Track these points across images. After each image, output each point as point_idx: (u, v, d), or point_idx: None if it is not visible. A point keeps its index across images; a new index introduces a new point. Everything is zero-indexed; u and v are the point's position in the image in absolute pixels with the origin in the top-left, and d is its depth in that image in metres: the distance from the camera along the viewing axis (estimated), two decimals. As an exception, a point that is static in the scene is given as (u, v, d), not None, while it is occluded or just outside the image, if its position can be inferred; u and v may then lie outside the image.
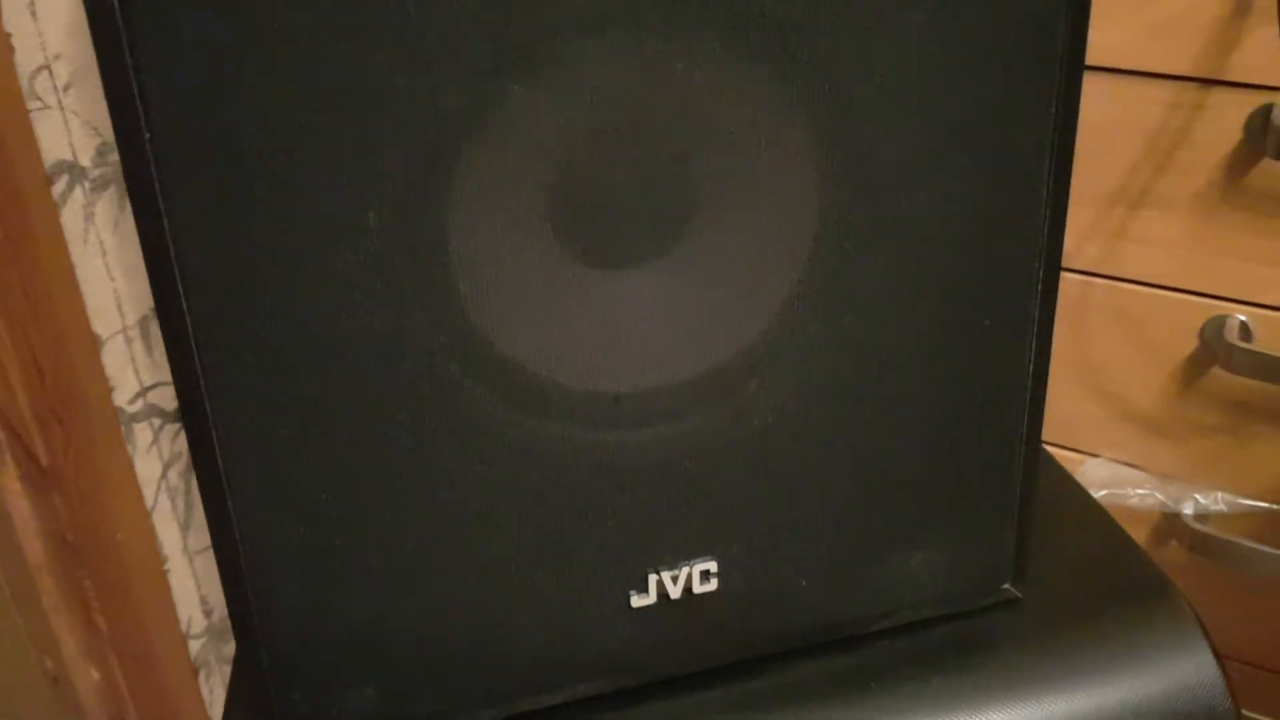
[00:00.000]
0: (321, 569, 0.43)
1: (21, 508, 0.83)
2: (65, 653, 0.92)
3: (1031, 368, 0.48)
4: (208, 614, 1.01)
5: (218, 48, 0.35)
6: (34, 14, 0.75)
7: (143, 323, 0.87)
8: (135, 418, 0.89)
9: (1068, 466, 0.67)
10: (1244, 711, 0.84)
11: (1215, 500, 0.85)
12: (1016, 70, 0.41)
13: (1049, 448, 0.88)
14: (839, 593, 0.49)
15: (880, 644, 0.51)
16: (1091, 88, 0.72)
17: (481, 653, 0.46)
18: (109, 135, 0.82)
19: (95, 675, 0.95)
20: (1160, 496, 0.87)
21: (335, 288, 0.38)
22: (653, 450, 0.45)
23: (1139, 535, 0.86)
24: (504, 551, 0.44)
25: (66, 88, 0.78)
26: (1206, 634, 0.51)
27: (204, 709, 1.03)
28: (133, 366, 0.88)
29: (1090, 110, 0.71)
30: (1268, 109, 0.72)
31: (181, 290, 0.37)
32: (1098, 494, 0.86)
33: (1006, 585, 0.52)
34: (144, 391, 0.89)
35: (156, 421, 0.91)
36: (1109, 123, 0.77)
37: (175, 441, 0.93)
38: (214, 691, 1.04)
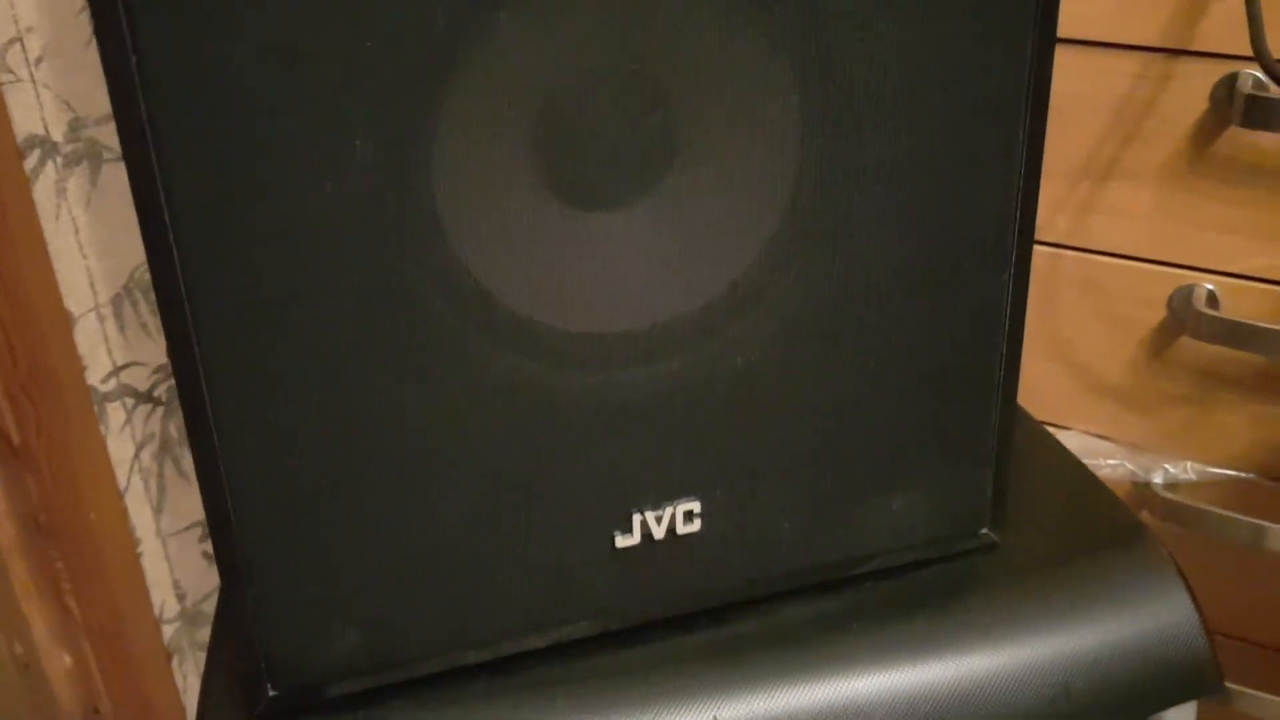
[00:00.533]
0: (306, 507, 0.43)
1: (-7, 486, 0.83)
2: (36, 637, 0.91)
3: (1009, 315, 0.49)
4: (181, 598, 1.00)
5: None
6: (6, -15, 0.75)
7: (115, 301, 0.87)
8: (108, 397, 0.89)
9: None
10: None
11: (1185, 469, 0.86)
12: (991, 18, 0.42)
13: (1021, 418, 0.89)
14: (821, 535, 0.50)
15: (862, 588, 0.52)
16: (1059, 59, 0.73)
17: (466, 593, 0.46)
18: (82, 110, 0.81)
19: (67, 660, 0.94)
20: (1130, 467, 0.88)
21: (322, 217, 0.38)
22: (636, 389, 0.45)
23: (1110, 504, 0.87)
24: (488, 489, 0.44)
25: (38, 61, 0.78)
26: (1182, 575, 0.52)
27: (178, 696, 1.02)
28: (105, 345, 0.88)
29: (1058, 82, 0.72)
30: (1233, 77, 0.73)
31: (168, 219, 0.37)
32: (1069, 464, 0.87)
33: (984, 530, 0.53)
34: (116, 371, 0.89)
35: (129, 402, 0.91)
36: (1077, 95, 0.78)
37: (148, 422, 0.93)
38: (188, 678, 1.03)
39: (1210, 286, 0.79)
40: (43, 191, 0.80)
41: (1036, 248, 0.83)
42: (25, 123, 0.78)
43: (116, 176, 0.85)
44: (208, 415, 0.40)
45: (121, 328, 0.88)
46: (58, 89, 0.79)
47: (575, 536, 0.46)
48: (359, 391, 0.41)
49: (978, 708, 0.49)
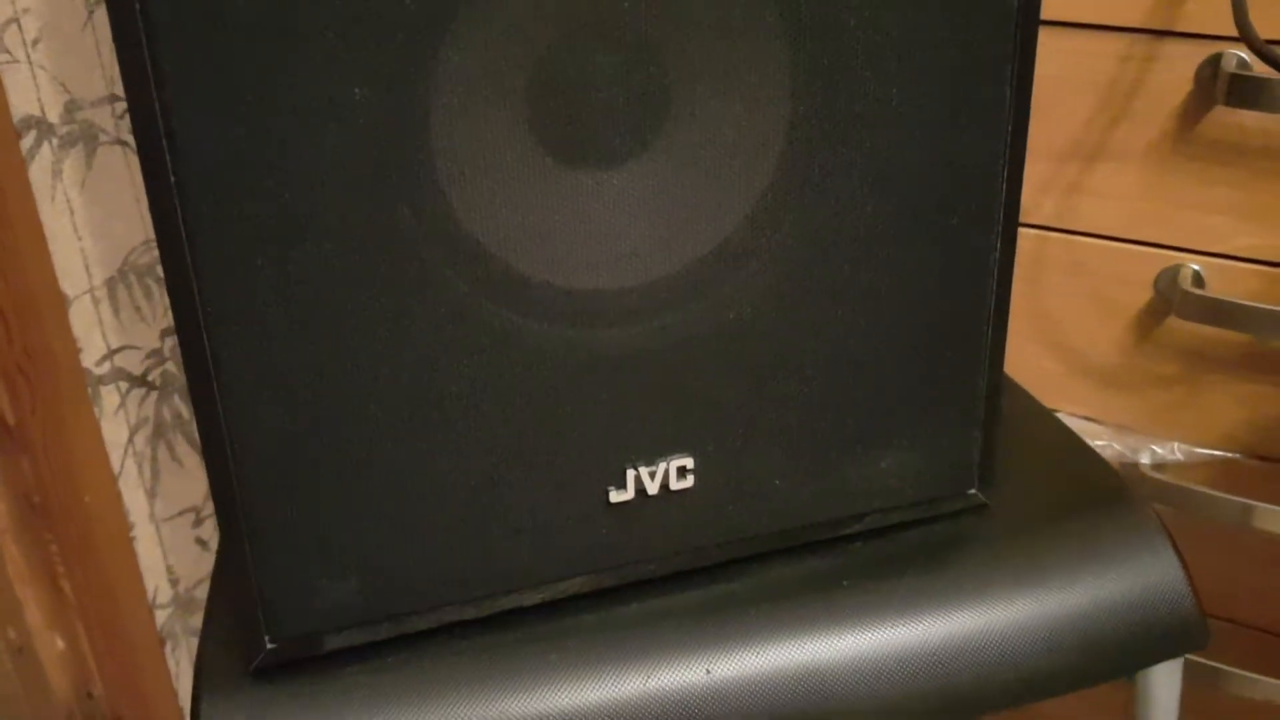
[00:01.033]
0: (303, 458, 0.43)
1: (-13, 466, 0.83)
2: (30, 621, 0.91)
3: (996, 273, 0.49)
4: (174, 584, 1.01)
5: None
6: (2, -34, 0.75)
7: (110, 284, 0.87)
8: (102, 380, 0.89)
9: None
10: (1198, 658, 0.86)
11: (1172, 450, 0.87)
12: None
13: (1010, 399, 0.89)
14: (812, 493, 0.50)
15: (852, 547, 0.53)
16: (1044, 42, 0.74)
17: (461, 546, 0.46)
18: (78, 92, 0.82)
19: (60, 644, 0.94)
20: (1118, 448, 0.89)
21: (322, 166, 0.39)
22: (630, 345, 0.46)
23: (1098, 483, 0.88)
24: (483, 443, 0.45)
25: (35, 42, 0.78)
26: (1168, 534, 0.52)
27: (170, 682, 1.03)
28: (100, 328, 0.88)
29: (1042, 64, 0.73)
30: (1217, 58, 0.74)
31: (171, 168, 0.38)
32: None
33: (973, 490, 0.54)
34: (111, 354, 0.89)
35: (123, 385, 0.91)
36: (1061, 77, 0.79)
37: (142, 406, 0.93)
38: (180, 663, 1.03)
39: (1196, 267, 0.80)
40: (38, 173, 0.81)
41: (1022, 231, 0.84)
42: (22, 104, 0.79)
43: (112, 159, 0.85)
44: (207, 361, 0.41)
45: (116, 311, 0.89)
46: (54, 70, 0.80)
47: (569, 491, 0.47)
48: (355, 342, 0.42)
49: (967, 664, 0.50)
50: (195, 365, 0.41)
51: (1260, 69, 0.71)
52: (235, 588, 0.45)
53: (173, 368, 0.95)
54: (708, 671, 0.48)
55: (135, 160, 0.87)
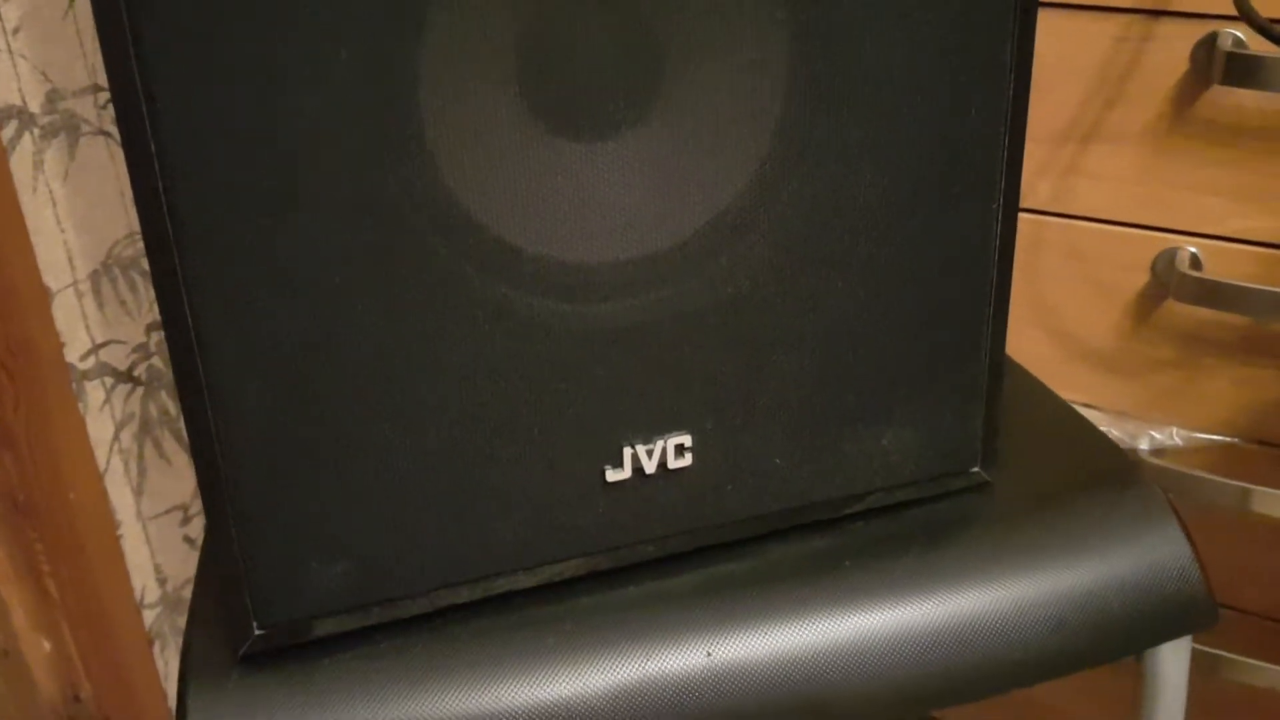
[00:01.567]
0: (292, 436, 0.42)
1: (-30, 462, 0.81)
2: (15, 623, 0.90)
3: (998, 245, 0.48)
4: (162, 583, 0.99)
5: None
6: (-19, -48, 0.74)
7: (94, 277, 0.86)
8: (86, 375, 0.88)
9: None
10: (1198, 645, 0.85)
11: (1170, 435, 0.87)
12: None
13: (1007, 385, 0.89)
14: (812, 471, 0.49)
15: (854, 527, 0.52)
16: (1039, 24, 0.73)
17: (454, 527, 0.45)
18: (60, 82, 0.80)
19: (47, 646, 0.92)
20: (1116, 434, 0.88)
21: (306, 133, 0.38)
22: (625, 319, 0.45)
23: (1097, 469, 0.87)
24: (475, 420, 0.44)
25: (16, 31, 0.77)
26: (1175, 510, 0.52)
27: (160, 682, 1.01)
28: (84, 322, 0.87)
29: (1038, 46, 0.72)
30: (1213, 37, 0.73)
31: (151, 134, 0.37)
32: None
33: (976, 469, 0.53)
34: (96, 349, 0.88)
35: (109, 380, 0.90)
36: (1057, 59, 0.78)
37: (128, 402, 0.92)
38: (169, 663, 1.02)
39: (1194, 249, 0.79)
40: (20, 164, 0.79)
41: (1019, 215, 0.83)
42: (2, 93, 0.77)
43: (95, 150, 0.84)
44: (191, 337, 0.39)
45: (100, 305, 0.87)
46: (35, 59, 0.78)
47: (565, 469, 0.46)
48: (343, 315, 0.41)
49: (972, 644, 0.49)
50: (178, 342, 0.40)
51: (1257, 47, 0.70)
52: (222, 573, 0.44)
53: (159, 363, 0.93)
54: (708, 654, 0.47)
55: (119, 151, 0.86)
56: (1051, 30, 0.78)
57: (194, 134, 0.37)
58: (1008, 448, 0.54)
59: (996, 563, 0.50)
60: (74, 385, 0.86)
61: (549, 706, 0.45)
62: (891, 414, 0.50)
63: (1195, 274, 0.78)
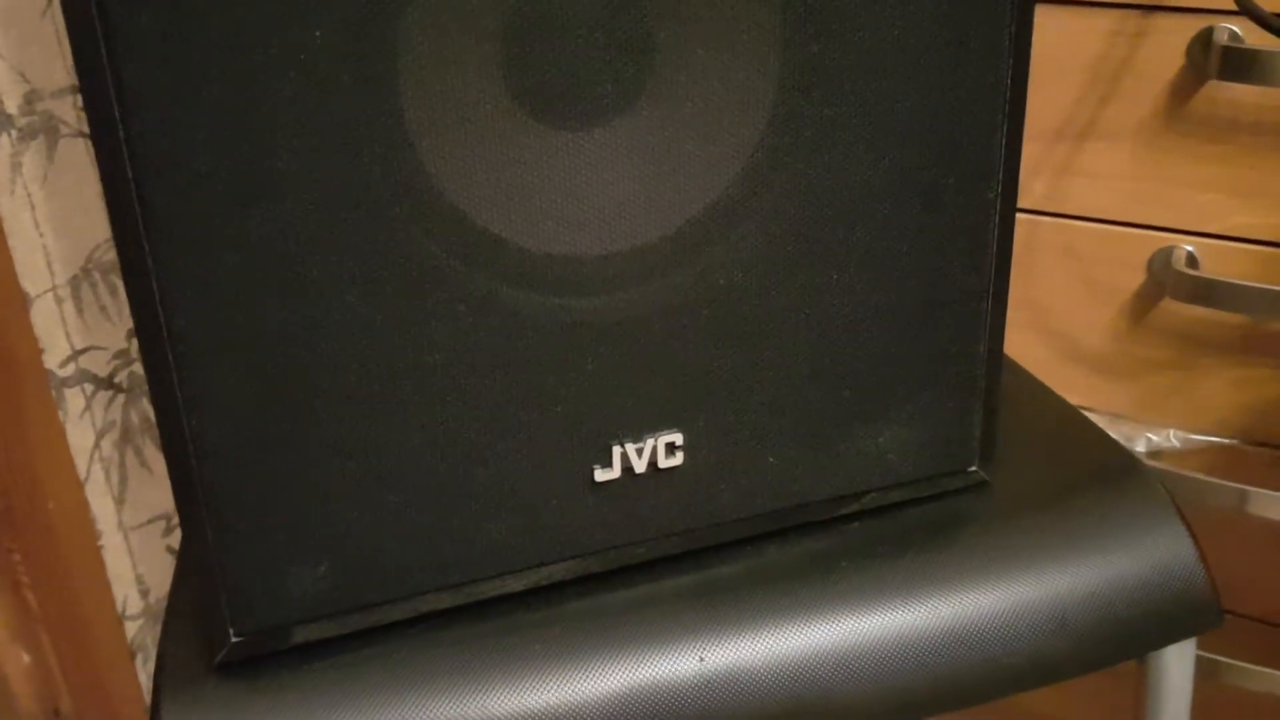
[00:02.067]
0: (269, 435, 0.41)
1: (-54, 471, 0.80)
2: (-7, 635, 0.88)
3: (995, 236, 0.47)
4: (144, 594, 0.98)
5: None
6: (-43, -49, 0.73)
7: (74, 282, 0.85)
8: (66, 382, 0.86)
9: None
10: (1197, 651, 0.84)
11: (1167, 437, 0.86)
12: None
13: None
14: (807, 470, 0.48)
15: (850, 527, 0.50)
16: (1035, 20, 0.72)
17: (438, 530, 0.44)
18: (38, 82, 0.79)
19: (26, 658, 0.91)
20: (1113, 435, 0.87)
21: (281, 117, 0.37)
22: (615, 314, 0.43)
23: (1094, 471, 0.86)
24: (459, 417, 0.43)
25: (-9, 30, 0.76)
26: (1178, 509, 0.50)
27: (141, 695, 0.99)
28: (63, 328, 0.85)
29: (1034, 43, 0.72)
30: (1209, 31, 0.72)
31: (119, 116, 0.35)
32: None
33: (974, 468, 0.51)
34: (75, 355, 0.86)
35: (89, 387, 0.88)
36: (1051, 55, 0.77)
37: (109, 409, 0.90)
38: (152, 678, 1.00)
39: (1190, 248, 0.78)
40: (-3, 166, 0.78)
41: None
42: (-22, 93, 0.76)
43: (74, 152, 0.82)
44: (163, 332, 0.38)
45: (80, 310, 0.86)
46: (12, 59, 0.77)
47: (552, 469, 0.44)
48: (321, 308, 0.39)
49: (972, 647, 0.47)
50: (149, 336, 0.38)
51: (1254, 40, 0.70)
52: (198, 578, 0.42)
53: (140, 370, 0.92)
54: (700, 659, 0.45)
55: (98, 154, 0.84)
56: (1045, 25, 0.77)
57: (164, 119, 0.36)
58: (1006, 446, 0.53)
59: (996, 563, 0.48)
60: (53, 392, 0.85)
61: (537, 715, 0.44)
62: (888, 412, 0.48)
63: (1192, 272, 0.77)
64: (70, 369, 0.86)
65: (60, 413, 0.86)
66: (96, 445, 0.90)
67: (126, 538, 0.94)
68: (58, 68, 0.80)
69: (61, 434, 0.86)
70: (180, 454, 0.40)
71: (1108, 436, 0.55)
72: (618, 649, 0.45)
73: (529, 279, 0.42)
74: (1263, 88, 0.71)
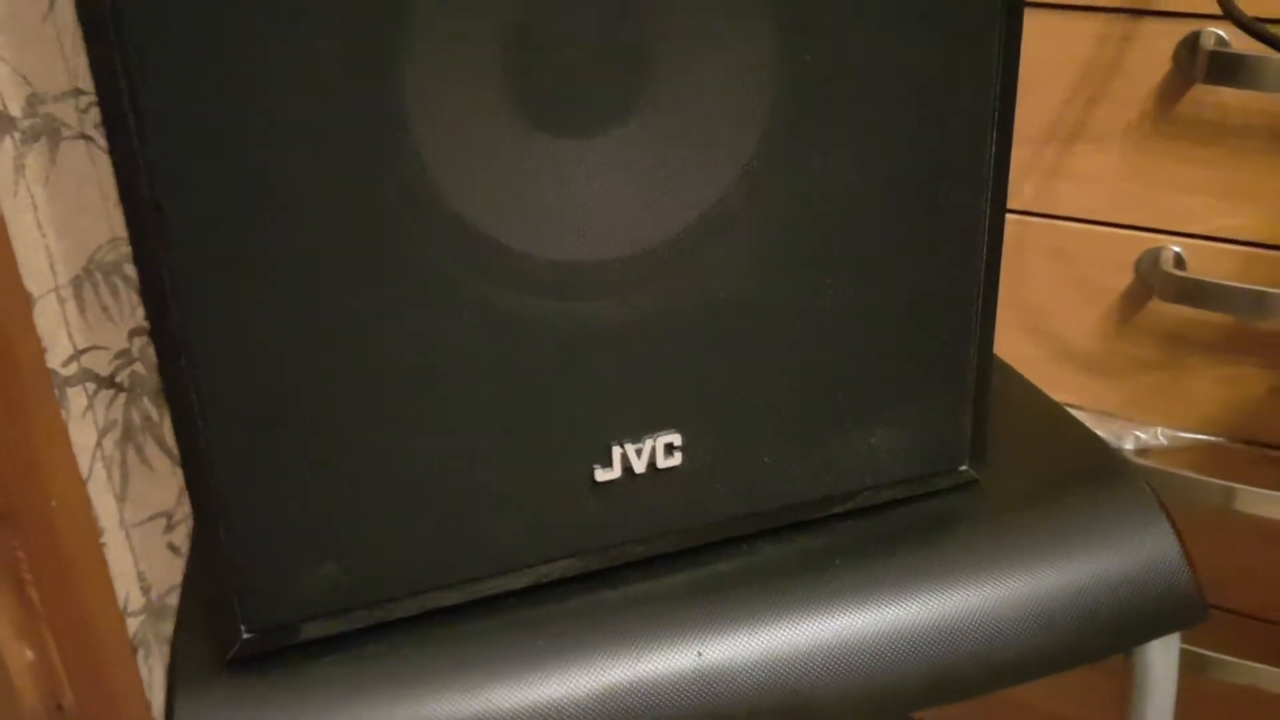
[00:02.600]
0: (279, 435, 0.42)
1: (-50, 470, 0.81)
2: (-3, 632, 0.89)
3: (986, 241, 0.48)
4: (146, 591, 0.99)
5: None
6: (-39, -44, 0.73)
7: (75, 282, 0.85)
8: (69, 381, 0.87)
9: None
10: (1183, 645, 0.85)
11: (1155, 435, 0.87)
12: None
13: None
14: (801, 470, 0.49)
15: (843, 526, 0.51)
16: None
17: (443, 528, 0.45)
18: (40, 85, 0.80)
19: (29, 655, 0.92)
20: (1102, 434, 0.88)
21: (290, 126, 0.38)
22: (615, 318, 0.45)
23: (1083, 469, 0.87)
24: (463, 418, 0.44)
25: (-6, 34, 0.77)
26: (1164, 508, 0.52)
27: (143, 691, 1.00)
28: (66, 328, 0.86)
29: (1022, 47, 0.73)
30: (1196, 36, 0.73)
31: (137, 134, 0.36)
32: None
33: (964, 467, 0.53)
34: (78, 355, 0.87)
35: (91, 386, 0.89)
36: (1039, 58, 0.79)
37: (110, 408, 0.91)
38: (153, 672, 1.01)
39: (1177, 249, 0.80)
40: (0, 168, 0.79)
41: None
42: (-19, 97, 0.77)
43: (76, 154, 0.83)
44: (178, 339, 0.39)
45: (82, 310, 0.87)
46: (15, 62, 0.78)
47: (554, 469, 0.46)
48: (332, 313, 0.41)
49: (963, 642, 0.49)
50: (165, 343, 0.39)
51: (1240, 45, 0.71)
52: (210, 576, 0.43)
53: (142, 369, 0.93)
54: (699, 655, 0.47)
55: (101, 155, 0.85)
56: (1033, 30, 0.78)
57: (180, 137, 0.37)
58: (995, 445, 0.54)
59: (986, 561, 0.50)
60: (56, 391, 0.86)
61: (539, 708, 0.45)
62: (881, 412, 0.49)
63: (1179, 273, 0.78)
64: (73, 368, 0.87)
65: (63, 411, 0.87)
66: (99, 443, 0.91)
67: (128, 535, 0.95)
68: (59, 70, 0.81)
69: (64, 432, 0.87)
70: (194, 457, 0.41)
71: (1095, 436, 0.56)
72: (618, 645, 0.47)
73: (530, 284, 0.43)
74: (1248, 91, 0.73)
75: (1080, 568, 0.50)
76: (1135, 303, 0.83)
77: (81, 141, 0.84)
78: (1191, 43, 0.74)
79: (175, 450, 0.86)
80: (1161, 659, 0.52)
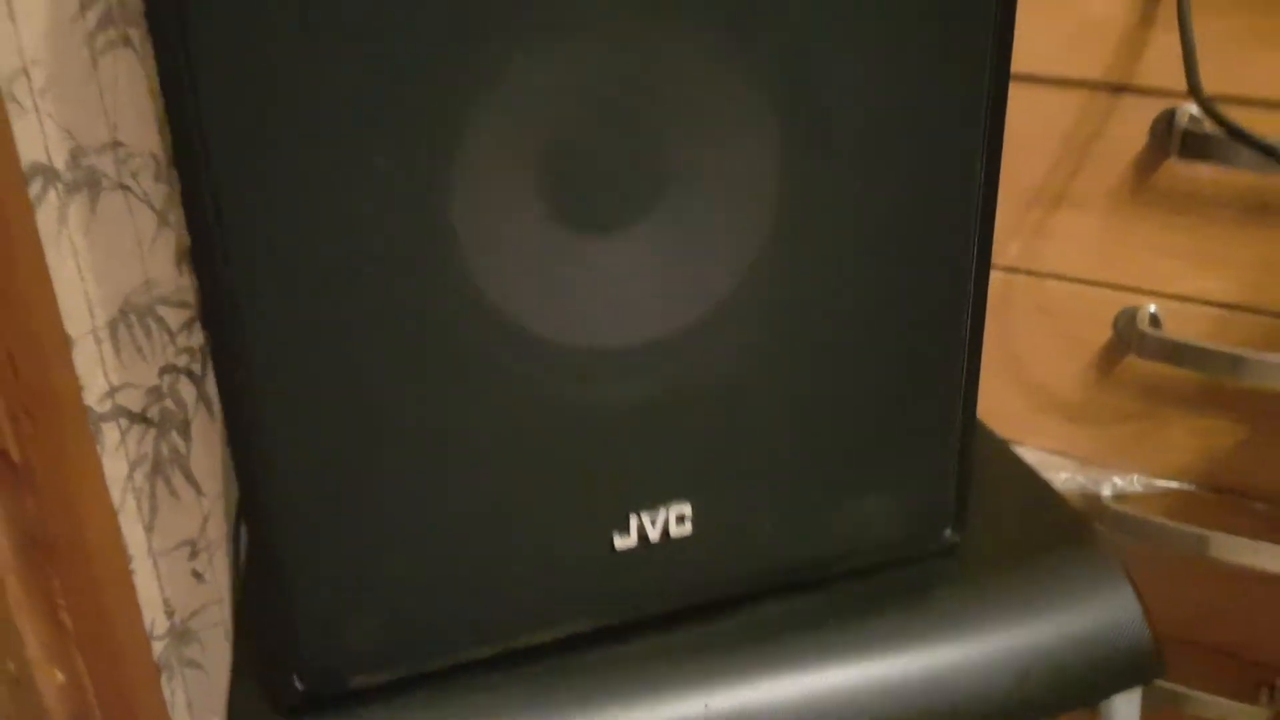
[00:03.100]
0: (334, 502, 0.46)
1: (-7, 505, 0.85)
2: (30, 654, 0.93)
3: (969, 330, 0.53)
4: (170, 615, 1.03)
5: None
6: (12, 17, 0.78)
7: (111, 324, 0.90)
8: (104, 418, 0.91)
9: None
10: (1159, 682, 0.90)
11: (1132, 482, 0.91)
12: (952, 55, 0.47)
13: (979, 433, 0.93)
14: (799, 536, 0.54)
15: (837, 586, 0.56)
16: (1010, 95, 0.78)
17: (480, 589, 0.50)
18: (83, 139, 0.84)
19: (60, 677, 0.96)
20: (1081, 480, 0.92)
21: (352, 232, 0.43)
22: (633, 399, 0.49)
23: (1063, 515, 0.91)
24: (499, 492, 0.49)
25: (42, 92, 0.81)
26: (1127, 572, 0.57)
27: (165, 710, 1.05)
28: (102, 367, 0.90)
29: (1009, 117, 0.77)
30: (1171, 113, 0.78)
31: (213, 223, 0.41)
32: (1024, 478, 0.91)
33: (948, 532, 0.57)
34: (112, 392, 0.92)
35: (124, 422, 0.93)
36: (1027, 128, 0.83)
37: (141, 443, 0.95)
38: (175, 694, 1.05)
39: (1153, 308, 0.84)
40: (45, 218, 0.83)
41: (990, 273, 0.87)
42: (29, 151, 0.81)
43: (113, 203, 0.88)
44: (248, 414, 0.44)
45: (117, 350, 0.91)
46: (60, 119, 0.82)
47: (579, 537, 0.50)
48: (382, 391, 0.45)
49: (945, 695, 0.53)
50: (236, 419, 0.44)
51: (1211, 125, 0.75)
52: (266, 629, 0.48)
53: (170, 404, 0.97)
54: (706, 706, 0.51)
55: (137, 204, 0.90)
56: (1021, 101, 0.82)
57: (258, 225, 0.42)
58: (975, 510, 0.59)
59: (966, 621, 0.55)
60: (92, 427, 0.90)
61: (562, 753, 0.50)
62: (873, 484, 0.54)
63: (1154, 332, 0.82)
64: (108, 405, 0.91)
65: (98, 446, 0.91)
66: (130, 475, 0.95)
67: (155, 562, 1.00)
68: (100, 125, 0.86)
69: (99, 466, 0.91)
70: (258, 523, 0.46)
71: (1064, 501, 0.61)
72: (632, 695, 0.51)
73: (559, 368, 0.48)
74: (1220, 166, 0.77)
75: (1051, 628, 0.55)
76: (1114, 357, 0.87)
77: (119, 191, 0.88)
78: (1168, 119, 0.78)
79: (200, 482, 0.91)
80: (1125, 710, 0.57)
